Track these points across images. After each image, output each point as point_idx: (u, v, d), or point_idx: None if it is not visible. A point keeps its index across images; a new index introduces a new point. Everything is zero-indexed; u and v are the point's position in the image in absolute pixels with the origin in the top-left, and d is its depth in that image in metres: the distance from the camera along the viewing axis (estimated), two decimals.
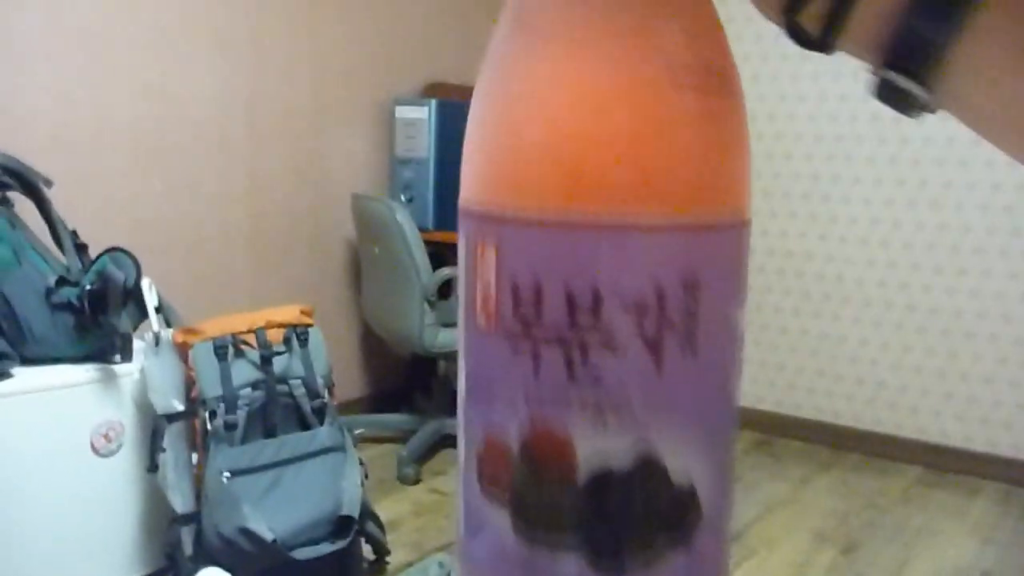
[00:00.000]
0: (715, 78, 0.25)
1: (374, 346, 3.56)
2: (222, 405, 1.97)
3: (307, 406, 2.09)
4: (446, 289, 3.19)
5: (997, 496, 3.01)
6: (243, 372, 2.03)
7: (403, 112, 3.43)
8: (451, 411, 3.19)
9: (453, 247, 3.47)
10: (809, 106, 3.41)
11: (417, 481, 2.93)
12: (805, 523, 2.73)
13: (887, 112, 3.26)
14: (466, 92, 3.70)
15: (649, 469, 0.23)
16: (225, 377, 1.98)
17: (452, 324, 2.97)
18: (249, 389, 2.02)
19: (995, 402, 3.16)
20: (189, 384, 2.01)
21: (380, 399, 3.63)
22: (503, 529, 0.24)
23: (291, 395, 2.07)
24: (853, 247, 3.37)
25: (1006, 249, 3.09)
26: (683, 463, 0.24)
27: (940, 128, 3.16)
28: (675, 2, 0.25)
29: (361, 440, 3.28)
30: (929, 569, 2.45)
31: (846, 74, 3.30)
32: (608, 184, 0.24)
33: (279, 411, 2.05)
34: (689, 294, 0.24)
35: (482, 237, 0.26)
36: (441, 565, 2.01)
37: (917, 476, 3.19)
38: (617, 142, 0.24)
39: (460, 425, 0.27)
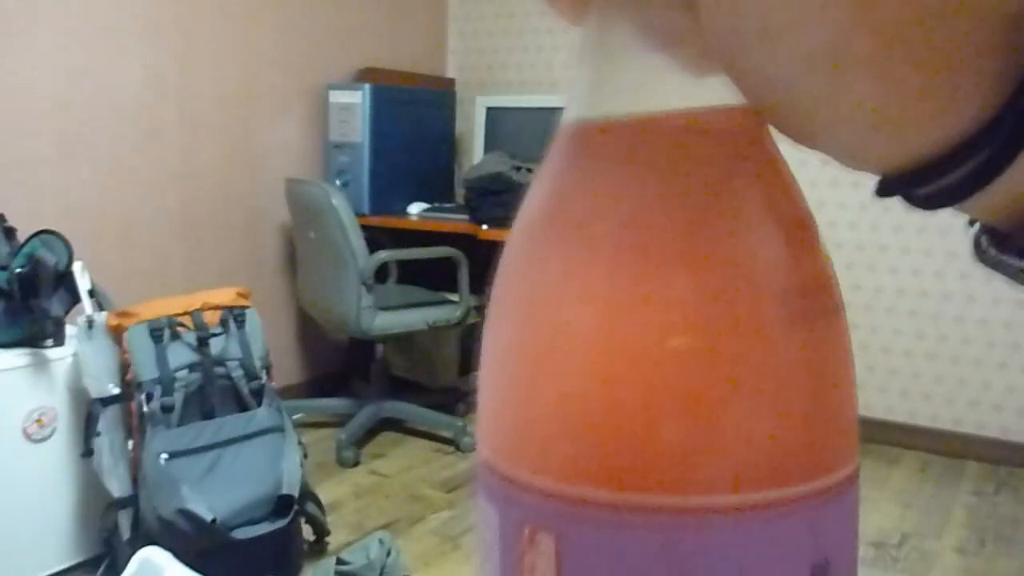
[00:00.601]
0: (818, 290, 0.20)
1: (311, 331, 3.56)
2: (158, 387, 1.96)
3: (245, 388, 2.09)
4: (382, 273, 3.20)
5: (916, 464, 3.15)
6: (179, 354, 2.02)
7: (337, 97, 3.42)
8: (388, 395, 3.21)
9: (388, 232, 3.49)
10: None
11: (356, 463, 2.94)
12: None
13: None
14: (399, 76, 3.71)
15: None
16: (161, 359, 1.98)
17: (389, 308, 2.99)
18: (186, 371, 2.02)
19: (914, 375, 3.29)
20: (124, 367, 2.00)
21: (318, 384, 3.63)
22: None
23: (228, 377, 2.08)
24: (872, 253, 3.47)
25: (923, 225, 3.22)
26: None
27: None
28: (756, 189, 0.20)
29: (300, 425, 3.29)
30: None
31: None
32: (708, 462, 0.19)
33: (217, 393, 2.05)
34: None
35: (533, 520, 0.20)
36: (382, 542, 2.03)
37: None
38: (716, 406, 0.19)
39: None
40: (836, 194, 3.34)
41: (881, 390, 3.35)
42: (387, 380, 3.27)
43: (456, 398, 3.56)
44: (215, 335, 2.07)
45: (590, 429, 0.19)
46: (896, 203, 0.22)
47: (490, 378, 0.22)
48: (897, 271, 3.29)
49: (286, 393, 3.37)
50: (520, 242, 0.22)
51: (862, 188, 3.28)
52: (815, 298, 0.20)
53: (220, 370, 2.06)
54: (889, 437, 3.32)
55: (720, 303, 0.19)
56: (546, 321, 0.20)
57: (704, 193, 0.19)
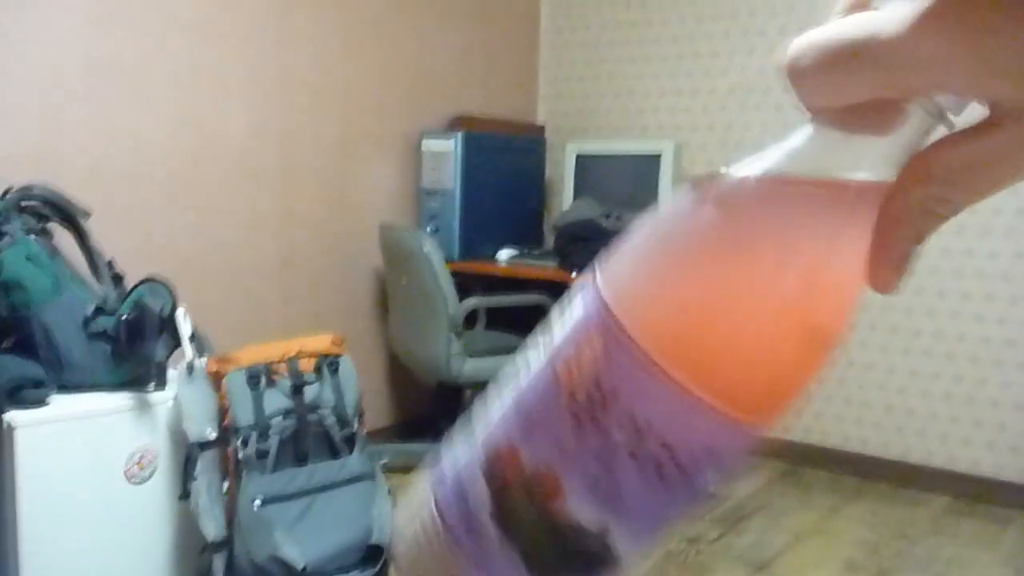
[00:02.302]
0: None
1: (401, 375, 3.59)
2: (254, 433, 2.00)
3: (337, 434, 2.11)
4: (472, 319, 3.22)
5: None
6: (275, 400, 2.06)
7: (429, 145, 3.47)
8: None
9: (478, 277, 3.50)
10: None
11: None
12: (835, 553, 2.71)
13: None
14: (490, 124, 3.75)
15: (600, 542, 0.29)
16: (257, 405, 2.01)
17: (478, 354, 2.99)
18: (280, 417, 2.04)
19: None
20: (222, 412, 2.04)
21: (407, 427, 3.65)
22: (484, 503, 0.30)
23: (322, 423, 2.10)
24: None
25: (1007, 273, 3.08)
26: (623, 547, 0.30)
27: None
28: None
29: (388, 468, 3.30)
30: None
31: None
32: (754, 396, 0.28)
33: (310, 439, 2.07)
34: (703, 455, 0.28)
35: (627, 357, 0.27)
36: None
37: (946, 505, 3.16)
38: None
39: (487, 409, 0.32)
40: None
41: (989, 447, 3.19)
42: None
43: None
44: (309, 382, 2.10)
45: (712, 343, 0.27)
46: None
47: (665, 266, 0.28)
48: (1005, 321, 3.14)
49: (375, 436, 3.40)
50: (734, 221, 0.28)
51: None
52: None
53: (313, 416, 2.08)
54: (998, 496, 3.15)
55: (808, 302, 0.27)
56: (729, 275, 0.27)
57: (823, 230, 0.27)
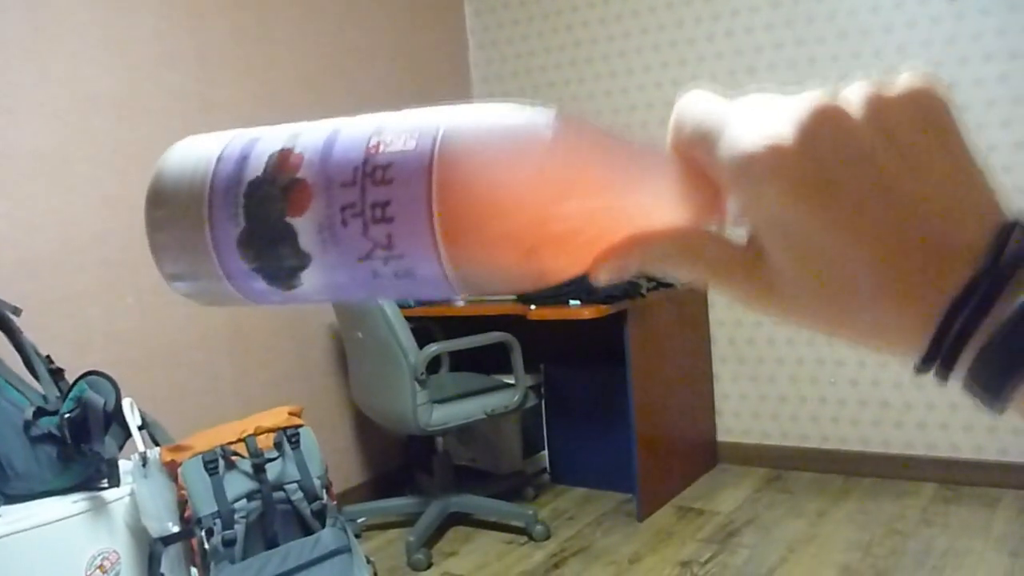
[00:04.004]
0: None
1: (368, 430, 3.49)
2: (218, 522, 1.90)
3: (307, 510, 2.02)
4: (434, 363, 3.14)
5: (1018, 504, 2.96)
6: (237, 484, 1.96)
7: None
8: (454, 487, 3.11)
9: (437, 320, 3.43)
10: None
11: (429, 566, 2.84)
12: (830, 559, 2.66)
13: None
14: None
15: (297, 261, 0.36)
16: (218, 492, 1.91)
17: (445, 399, 2.91)
18: (245, 500, 1.95)
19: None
20: (182, 503, 1.94)
21: (380, 482, 3.55)
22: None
23: (289, 501, 2.01)
24: None
25: None
26: (307, 278, 0.36)
27: None
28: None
29: (365, 528, 3.20)
30: None
31: None
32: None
33: (278, 519, 1.98)
34: (405, 269, 0.34)
35: (417, 185, 0.33)
36: None
37: (933, 493, 3.14)
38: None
39: (307, 127, 0.38)
40: None
41: (967, 429, 3.18)
42: (451, 472, 3.18)
43: (523, 482, 3.45)
44: (271, 459, 2.01)
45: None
46: None
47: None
48: None
49: (348, 496, 3.30)
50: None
51: None
52: None
53: (280, 495, 1.99)
54: (983, 478, 3.14)
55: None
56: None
57: None
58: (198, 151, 0.39)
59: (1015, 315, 0.28)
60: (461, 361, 3.55)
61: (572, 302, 2.97)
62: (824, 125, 0.30)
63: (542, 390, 3.57)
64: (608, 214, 0.33)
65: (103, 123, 2.65)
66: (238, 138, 0.38)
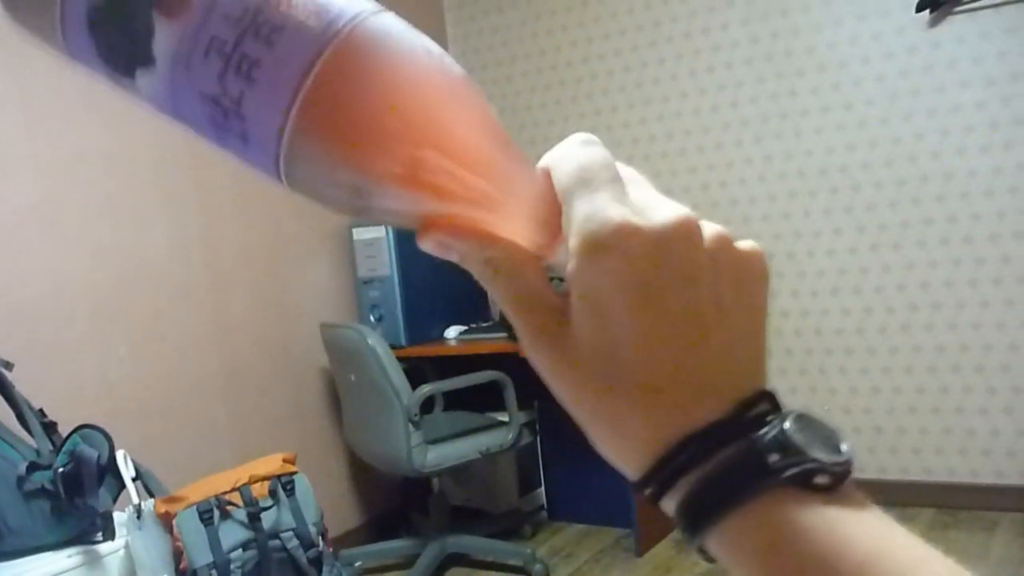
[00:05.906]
0: None
1: (363, 473, 3.48)
2: (214, 572, 1.89)
3: (303, 558, 2.01)
4: (429, 402, 3.14)
5: (1015, 528, 2.96)
6: (232, 533, 1.96)
7: (360, 234, 3.42)
8: (450, 528, 3.10)
9: (430, 360, 3.43)
10: (758, 168, 3.45)
11: None
12: None
13: (835, 163, 3.31)
14: None
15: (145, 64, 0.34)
16: (214, 542, 1.91)
17: (439, 440, 2.91)
18: (240, 550, 1.94)
19: (992, 431, 3.13)
20: (178, 555, 1.93)
21: (376, 525, 3.53)
22: None
23: (284, 549, 2.00)
24: (826, 299, 3.38)
25: (973, 279, 3.11)
26: (145, 83, 0.35)
27: (890, 172, 3.21)
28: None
29: (363, 572, 3.18)
30: None
31: (787, 133, 3.36)
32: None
33: (274, 568, 1.97)
34: (241, 135, 0.34)
35: (306, 53, 0.32)
36: None
37: (931, 519, 3.13)
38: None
39: None
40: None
41: (961, 453, 3.19)
42: (447, 512, 3.17)
43: (520, 520, 3.44)
44: (266, 508, 2.00)
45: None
46: None
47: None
48: (955, 327, 3.16)
49: (345, 540, 3.28)
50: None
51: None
52: None
53: (275, 543, 1.99)
54: (980, 501, 3.14)
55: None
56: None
57: None
58: None
59: (718, 469, 0.31)
60: (455, 400, 3.55)
61: None
62: (681, 233, 0.32)
63: (537, 427, 3.57)
64: (463, 190, 0.33)
65: (91, 177, 2.67)
66: None
